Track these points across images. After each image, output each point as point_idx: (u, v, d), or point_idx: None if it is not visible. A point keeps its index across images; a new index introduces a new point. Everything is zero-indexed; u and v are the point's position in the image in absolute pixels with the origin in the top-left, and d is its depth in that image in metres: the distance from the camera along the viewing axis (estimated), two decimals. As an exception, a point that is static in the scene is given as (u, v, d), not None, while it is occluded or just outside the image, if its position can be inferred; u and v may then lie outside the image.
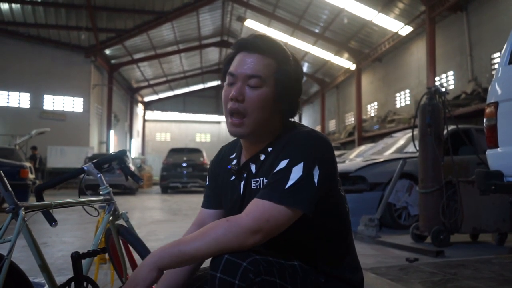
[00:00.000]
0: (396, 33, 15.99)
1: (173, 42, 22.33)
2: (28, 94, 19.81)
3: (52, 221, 1.51)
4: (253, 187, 1.14)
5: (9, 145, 14.91)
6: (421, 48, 15.09)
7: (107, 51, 21.10)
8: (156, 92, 31.90)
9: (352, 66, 20.12)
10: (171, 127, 36.73)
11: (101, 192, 1.87)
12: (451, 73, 13.97)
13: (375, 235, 4.43)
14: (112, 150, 22.60)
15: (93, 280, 1.53)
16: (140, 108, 32.99)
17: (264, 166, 1.12)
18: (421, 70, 14.99)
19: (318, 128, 27.21)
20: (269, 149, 1.13)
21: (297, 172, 1.01)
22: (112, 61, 22.37)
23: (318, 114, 26.94)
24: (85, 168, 1.83)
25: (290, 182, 1.00)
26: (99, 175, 1.85)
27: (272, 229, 0.99)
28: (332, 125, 25.64)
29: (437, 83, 13.41)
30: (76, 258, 1.41)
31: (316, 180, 1.01)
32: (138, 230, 2.58)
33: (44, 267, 1.41)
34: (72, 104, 20.72)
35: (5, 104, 19.41)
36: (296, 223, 1.03)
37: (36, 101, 19.93)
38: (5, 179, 1.37)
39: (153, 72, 26.63)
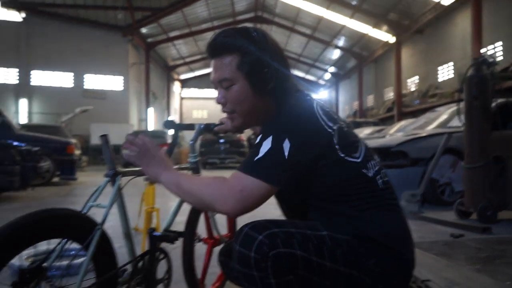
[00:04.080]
0: (439, 2, 15.25)
1: (207, 19, 22.31)
2: (72, 74, 20.52)
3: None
4: None
5: (55, 122, 15.58)
6: (466, 18, 14.33)
7: (143, 30, 21.39)
8: (192, 70, 32.18)
9: (392, 39, 19.44)
10: (208, 104, 36.91)
11: (189, 160, 1.76)
12: (499, 44, 13.24)
13: (417, 211, 4.36)
14: (151, 127, 23.13)
15: (167, 253, 1.59)
16: (176, 85, 33.43)
17: None
18: (466, 41, 14.28)
19: (355, 104, 26.66)
20: None
21: (266, 145, 1.04)
22: (148, 40, 22.68)
23: (355, 90, 26.36)
24: (199, 125, 1.69)
25: (259, 155, 1.04)
26: (191, 142, 1.74)
27: (248, 200, 1.03)
28: (370, 100, 25.05)
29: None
30: (152, 236, 1.50)
31: (286, 153, 1.03)
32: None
33: (128, 236, 1.44)
34: (112, 82, 21.28)
35: (50, 84, 20.21)
36: (296, 188, 1.11)
37: (78, 80, 20.62)
38: (109, 143, 1.38)
39: (188, 50, 26.81)
